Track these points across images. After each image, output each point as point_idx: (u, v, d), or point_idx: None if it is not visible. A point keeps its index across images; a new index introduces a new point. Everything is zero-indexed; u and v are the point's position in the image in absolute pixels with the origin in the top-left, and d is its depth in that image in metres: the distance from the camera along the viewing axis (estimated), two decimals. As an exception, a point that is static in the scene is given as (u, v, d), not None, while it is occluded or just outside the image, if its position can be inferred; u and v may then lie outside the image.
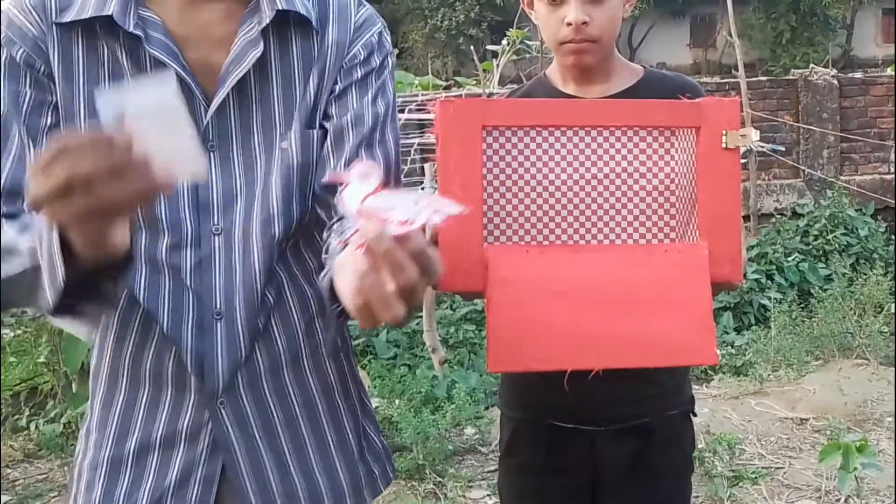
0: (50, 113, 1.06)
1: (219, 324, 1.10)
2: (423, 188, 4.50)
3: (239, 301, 1.11)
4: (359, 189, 0.72)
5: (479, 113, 1.20)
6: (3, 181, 1.03)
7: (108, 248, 0.85)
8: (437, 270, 0.74)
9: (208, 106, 1.09)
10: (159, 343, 1.10)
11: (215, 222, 1.10)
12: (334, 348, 1.23)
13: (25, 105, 1.05)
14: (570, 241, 1.28)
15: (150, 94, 0.77)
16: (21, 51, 1.04)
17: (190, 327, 1.10)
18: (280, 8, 1.09)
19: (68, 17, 1.05)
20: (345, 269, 0.79)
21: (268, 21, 1.09)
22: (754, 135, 1.19)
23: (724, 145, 1.21)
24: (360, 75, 1.16)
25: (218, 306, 1.10)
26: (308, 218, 1.15)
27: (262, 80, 1.11)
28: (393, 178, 1.19)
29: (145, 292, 1.09)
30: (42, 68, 1.05)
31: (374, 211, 0.71)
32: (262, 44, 1.09)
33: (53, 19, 1.05)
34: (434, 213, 0.71)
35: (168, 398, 1.12)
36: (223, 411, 1.12)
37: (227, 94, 1.09)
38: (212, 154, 1.09)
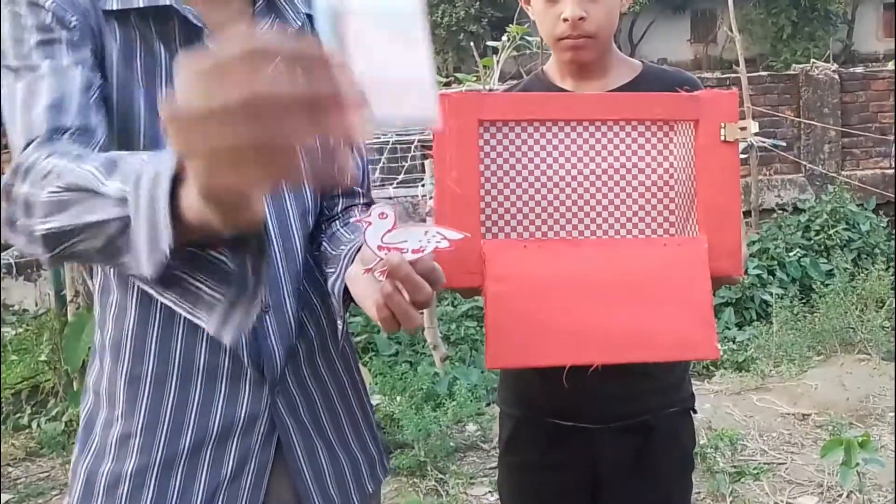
0: (100, 84, 1.00)
1: (268, 316, 1.12)
2: (423, 185, 4.50)
3: (287, 292, 1.14)
4: (379, 227, 0.88)
5: (476, 107, 1.20)
6: (67, 115, 0.94)
7: (239, 215, 0.63)
8: (444, 281, 0.89)
9: None
10: (211, 339, 1.09)
11: None
12: (346, 332, 1.28)
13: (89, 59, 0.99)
14: (568, 236, 1.27)
15: (385, 1, 0.60)
16: (74, 18, 1.00)
17: None
18: (307, 12, 1.14)
19: (115, 5, 1.02)
20: (367, 288, 0.94)
21: (301, 23, 1.14)
22: (753, 127, 1.18)
23: (722, 138, 1.20)
24: None
25: (265, 299, 1.11)
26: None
27: None
28: (366, 173, 1.28)
29: None
30: (90, 44, 1.01)
31: (392, 244, 0.87)
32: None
33: (101, 6, 1.02)
34: (441, 240, 0.88)
35: (222, 392, 1.11)
36: (278, 400, 1.14)
37: None
38: None
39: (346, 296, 1.07)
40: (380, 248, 0.88)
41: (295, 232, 1.15)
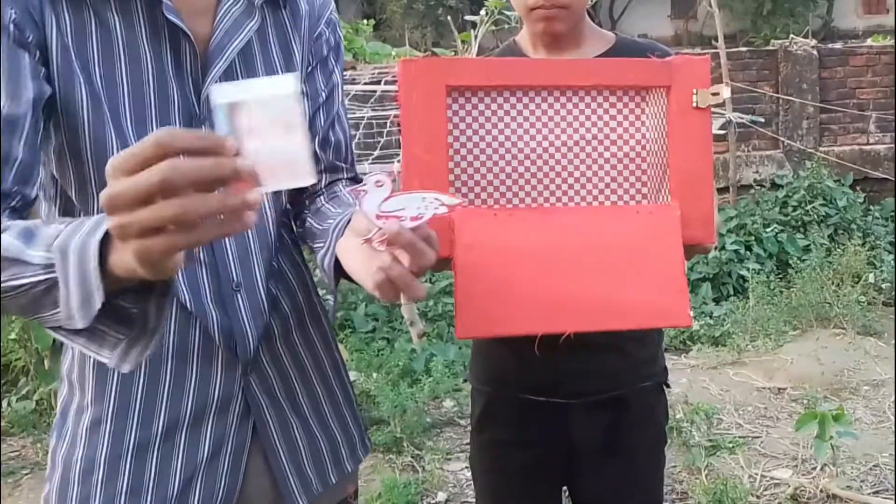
0: (42, 82, 0.96)
1: (239, 295, 1.10)
2: (398, 160, 4.46)
3: (258, 271, 1.12)
4: (376, 196, 0.87)
5: (443, 72, 1.16)
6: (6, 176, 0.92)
7: (161, 271, 0.72)
8: (439, 248, 0.89)
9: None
10: (181, 319, 1.08)
11: None
12: (325, 309, 1.27)
13: (27, 72, 0.94)
14: (539, 206, 1.25)
15: (267, 92, 0.73)
16: (14, 13, 0.94)
17: (210, 301, 1.08)
18: None
19: None
20: (362, 259, 0.94)
21: None
22: (726, 92, 1.15)
23: (694, 104, 1.18)
24: (324, 53, 1.20)
25: (236, 278, 1.10)
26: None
27: (245, 51, 1.10)
28: (349, 148, 1.27)
29: None
30: (31, 36, 0.95)
31: (390, 213, 0.87)
32: (257, 15, 1.10)
33: None
34: (440, 206, 0.88)
35: (194, 373, 1.09)
36: (252, 379, 1.13)
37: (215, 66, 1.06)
38: (204, 127, 1.07)
39: (337, 270, 1.05)
40: (378, 216, 0.87)
41: (267, 209, 1.13)
